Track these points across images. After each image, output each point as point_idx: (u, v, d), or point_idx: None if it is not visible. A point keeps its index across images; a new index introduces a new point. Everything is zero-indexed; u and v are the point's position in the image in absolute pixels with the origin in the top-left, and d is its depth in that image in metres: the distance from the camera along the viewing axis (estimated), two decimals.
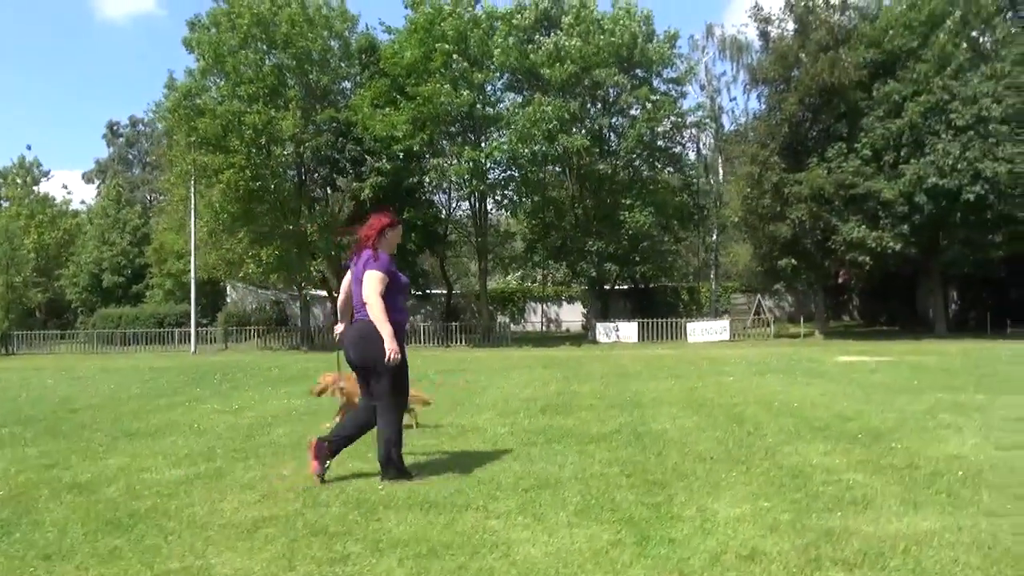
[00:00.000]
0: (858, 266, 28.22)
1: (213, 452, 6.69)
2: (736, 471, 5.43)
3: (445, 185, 30.40)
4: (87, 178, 61.09)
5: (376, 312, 4.98)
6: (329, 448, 5.29)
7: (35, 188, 53.59)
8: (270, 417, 8.97)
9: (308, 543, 3.92)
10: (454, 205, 33.02)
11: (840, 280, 45.24)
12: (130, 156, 57.45)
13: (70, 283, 47.30)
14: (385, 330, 4.96)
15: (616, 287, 41.32)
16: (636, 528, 4.06)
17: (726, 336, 29.15)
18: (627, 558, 3.60)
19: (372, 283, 5.02)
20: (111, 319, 39.83)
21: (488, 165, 29.01)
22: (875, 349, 21.48)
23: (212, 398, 11.46)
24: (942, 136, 24.72)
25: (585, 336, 31.37)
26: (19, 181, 52.46)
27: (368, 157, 28.92)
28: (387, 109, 27.16)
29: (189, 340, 31.74)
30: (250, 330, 33.69)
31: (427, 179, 27.04)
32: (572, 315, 42.34)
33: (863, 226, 25.95)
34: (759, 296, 37.40)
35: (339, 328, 5.48)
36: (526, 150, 27.45)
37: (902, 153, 25.74)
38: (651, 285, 40.36)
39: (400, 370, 5.21)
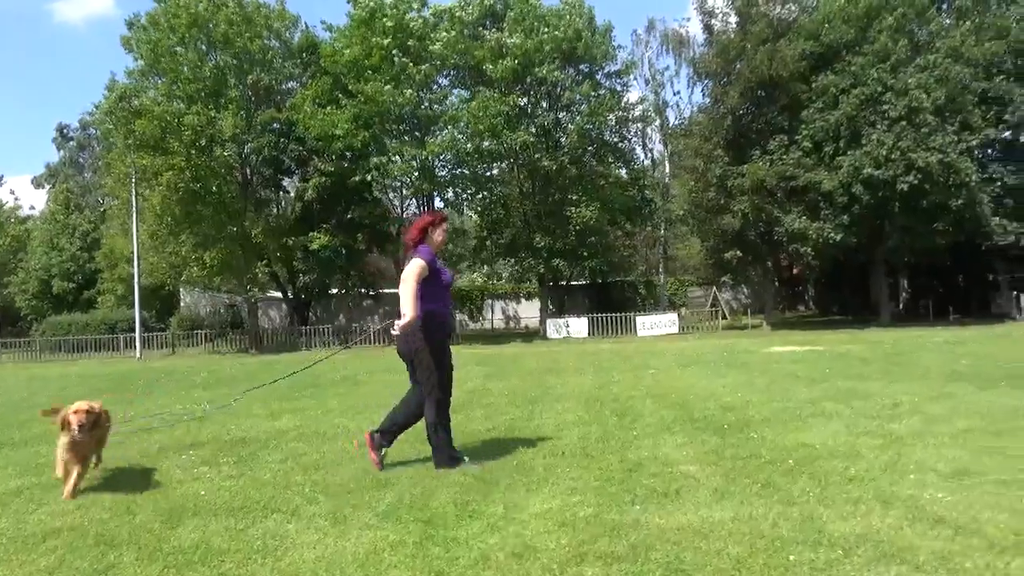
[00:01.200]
0: (800, 257, 28.51)
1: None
2: (577, 466, 5.41)
3: (393, 183, 30.16)
4: (36, 183, 59.85)
5: (406, 292, 5.21)
6: (382, 438, 5.63)
7: None
8: (152, 427, 8.78)
9: (84, 553, 3.81)
10: (404, 203, 32.77)
11: (795, 271, 45.92)
12: (81, 160, 56.34)
13: (19, 290, 46.28)
14: (410, 308, 5.15)
15: (573, 283, 41.44)
16: (428, 528, 4.01)
17: (675, 329, 29.28)
18: (396, 559, 3.55)
19: (410, 269, 5.30)
20: (61, 326, 38.97)
21: (435, 163, 28.83)
22: (813, 339, 21.67)
23: (116, 404, 11.20)
24: (877, 127, 25.01)
25: (538, 332, 31.33)
26: None
27: (314, 157, 28.64)
28: (329, 108, 26.85)
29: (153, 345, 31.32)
30: (200, 335, 33.18)
31: (369, 178, 26.73)
32: (531, 311, 42.30)
33: (804, 217, 26.21)
34: (714, 289, 37.68)
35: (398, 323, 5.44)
36: (470, 146, 27.31)
37: (840, 145, 26.00)
38: (608, 280, 40.52)
39: (440, 360, 5.46)
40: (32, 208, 55.74)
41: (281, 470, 5.71)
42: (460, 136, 27.71)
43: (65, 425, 5.07)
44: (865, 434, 6.17)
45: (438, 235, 5.64)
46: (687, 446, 5.99)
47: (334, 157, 27.24)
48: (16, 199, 54.32)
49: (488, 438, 6.81)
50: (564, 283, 38.37)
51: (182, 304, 42.64)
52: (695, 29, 31.34)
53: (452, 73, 30.82)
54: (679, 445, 6.04)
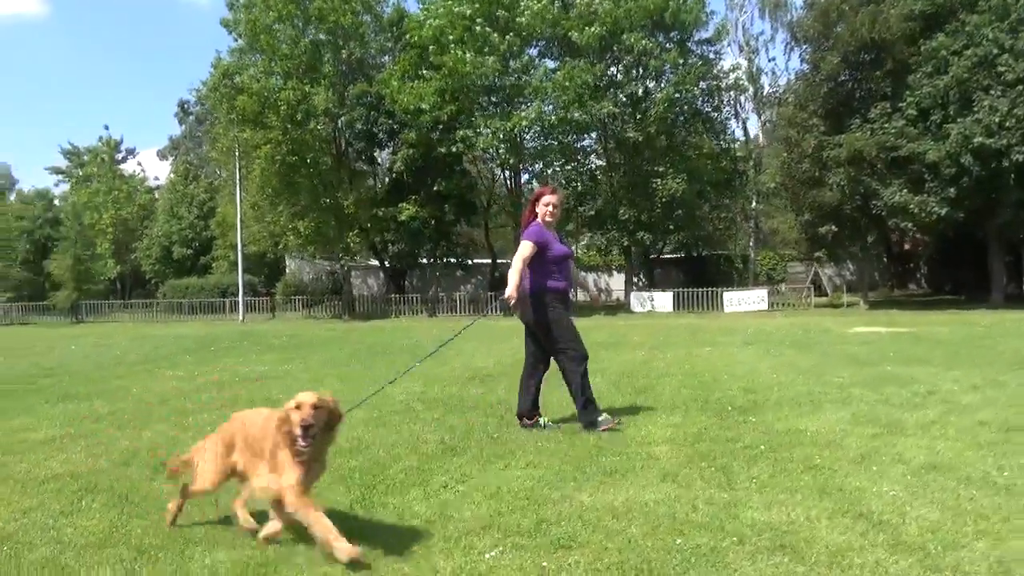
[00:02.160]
0: (903, 232, 26.90)
1: (103, 417, 7.16)
2: (554, 440, 5.52)
3: (482, 155, 30.49)
4: (161, 155, 64.00)
5: (513, 269, 5.61)
6: (529, 416, 6.02)
7: (121, 166, 56.51)
8: (209, 385, 9.46)
9: (64, 497, 4.29)
10: (494, 176, 33.12)
11: (906, 247, 43.30)
12: (199, 133, 59.74)
13: (144, 256, 49.95)
14: (512, 280, 5.54)
15: (666, 256, 40.77)
16: (368, 492, 4.25)
17: (764, 306, 28.38)
18: None
19: (520, 249, 5.71)
20: (179, 289, 42.00)
21: (522, 134, 28.90)
22: (907, 320, 20.58)
23: (189, 365, 12.11)
24: (991, 92, 23.14)
25: (624, 306, 31.11)
26: (103, 159, 55.31)
27: (404, 129, 29.32)
28: (416, 82, 27.38)
29: (247, 309, 33.37)
30: (299, 300, 34.87)
31: (455, 150, 27.16)
32: (622, 284, 41.99)
33: (905, 190, 24.67)
34: (815, 265, 36.19)
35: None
36: (555, 118, 27.20)
37: (949, 112, 24.23)
38: (703, 254, 39.60)
39: (562, 330, 5.82)
40: (157, 179, 59.68)
41: None
42: (547, 107, 27.62)
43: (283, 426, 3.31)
44: (868, 422, 5.95)
45: (542, 209, 5.93)
46: (676, 427, 5.95)
47: (422, 130, 27.75)
48: (143, 170, 58.02)
49: (490, 408, 6.99)
50: (655, 256, 37.86)
51: (287, 271, 44.84)
52: None
53: (541, 44, 30.68)
54: (668, 425, 6.02)
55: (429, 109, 26.75)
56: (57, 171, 58.31)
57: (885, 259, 44.68)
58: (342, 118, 29.28)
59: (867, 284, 30.11)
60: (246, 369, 11.11)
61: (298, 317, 32.38)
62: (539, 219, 5.90)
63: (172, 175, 53.69)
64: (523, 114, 26.84)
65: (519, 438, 5.63)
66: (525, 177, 31.33)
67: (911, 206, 24.54)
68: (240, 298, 32.63)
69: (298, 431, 3.19)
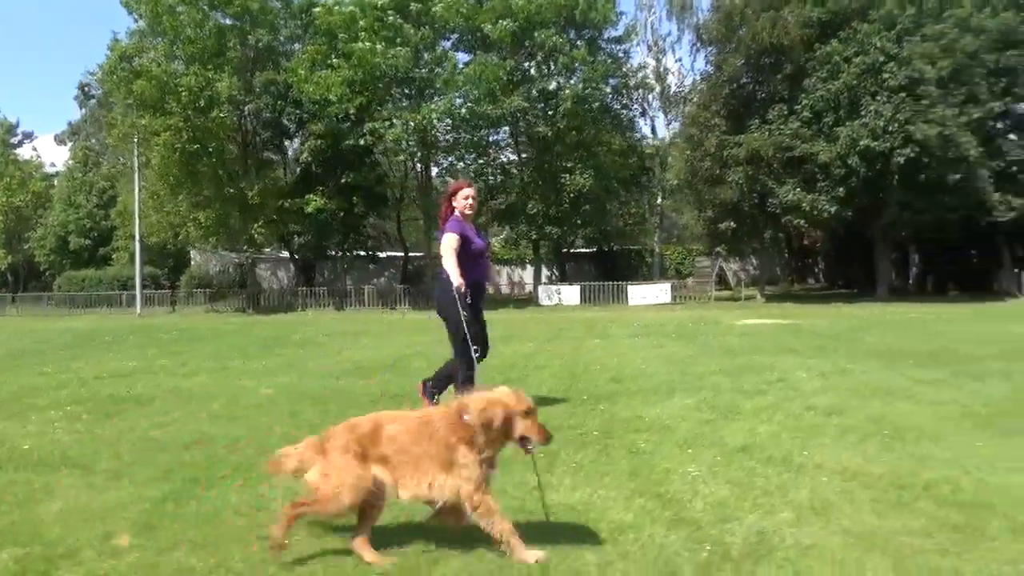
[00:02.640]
0: (794, 230, 28.12)
1: None
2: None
3: (394, 147, 30.14)
4: (59, 140, 60.91)
5: (447, 266, 5.67)
6: (433, 386, 6.20)
7: (16, 151, 53.42)
8: (72, 381, 9.11)
9: None
10: (406, 168, 32.88)
11: (805, 243, 45.27)
12: (101, 118, 57.08)
13: (39, 246, 47.48)
14: (455, 276, 5.60)
15: (578, 250, 41.39)
16: (188, 485, 4.21)
17: (667, 299, 29.17)
18: (131, 513, 3.74)
19: (446, 242, 5.75)
20: (76, 281, 40.10)
21: (432, 128, 28.78)
22: (794, 312, 21.52)
23: (63, 360, 11.62)
24: (877, 98, 24.40)
25: (533, 299, 31.43)
26: None
27: (312, 120, 28.79)
28: (325, 72, 26.90)
29: (146, 302, 32.18)
30: (202, 293, 33.82)
31: (363, 142, 26.82)
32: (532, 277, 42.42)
33: (798, 189, 25.77)
34: (720, 259, 37.35)
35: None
36: (465, 111, 27.23)
37: (840, 115, 25.43)
38: (614, 248, 40.38)
39: (469, 323, 5.66)
40: (54, 165, 56.80)
41: (122, 429, 5.94)
42: (458, 100, 27.60)
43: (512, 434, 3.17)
44: (709, 409, 6.24)
45: (459, 203, 5.97)
46: None
47: (330, 121, 27.27)
48: (38, 156, 55.07)
49: (359, 401, 6.98)
50: (567, 250, 38.36)
51: (192, 263, 43.41)
52: None
53: (454, 37, 30.64)
54: None
55: (337, 100, 26.32)
56: None
57: (786, 255, 46.63)
58: (248, 106, 28.53)
59: (765, 278, 31.27)
60: (119, 364, 10.74)
61: (200, 311, 31.39)
62: (457, 212, 5.95)
63: (70, 161, 51.17)
64: (432, 107, 26.72)
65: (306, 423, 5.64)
66: (436, 171, 31.22)
67: (804, 204, 25.63)
68: (138, 291, 31.41)
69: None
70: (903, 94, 23.86)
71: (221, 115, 27.05)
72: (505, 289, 44.22)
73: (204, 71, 27.07)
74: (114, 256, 45.53)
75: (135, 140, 29.13)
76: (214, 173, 28.41)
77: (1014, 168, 26.21)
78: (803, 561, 3.01)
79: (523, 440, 3.15)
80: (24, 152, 54.39)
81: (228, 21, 28.37)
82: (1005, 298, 27.16)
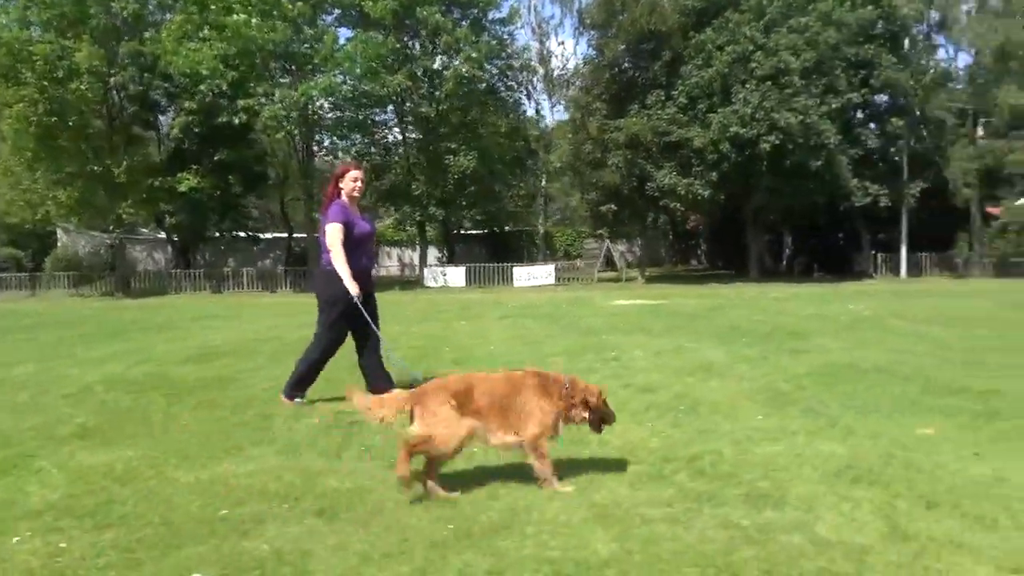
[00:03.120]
0: (670, 212, 29.10)
1: None
2: (206, 422, 5.43)
3: (275, 125, 29.09)
4: None
5: (335, 261, 5.52)
6: (296, 389, 5.88)
7: None
8: None
9: None
10: (289, 146, 31.82)
11: (689, 226, 46.93)
12: None
13: None
14: (344, 273, 5.49)
15: (470, 232, 41.45)
16: None
17: (552, 280, 29.64)
18: None
19: (330, 235, 5.55)
20: None
21: (312, 106, 27.98)
22: (668, 293, 22.28)
23: None
24: (746, 86, 25.43)
25: (419, 281, 31.26)
26: None
27: (183, 94, 27.46)
28: (195, 44, 25.63)
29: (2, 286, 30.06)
30: (69, 276, 31.79)
31: (237, 121, 25.78)
32: (429, 259, 42.17)
33: (675, 173, 26.62)
34: (607, 241, 38.18)
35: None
36: (347, 89, 26.62)
37: (714, 102, 26.36)
38: (505, 230, 40.65)
39: (343, 314, 5.66)
40: None
41: None
42: (337, 78, 26.91)
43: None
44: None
45: (347, 185, 5.76)
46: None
47: (203, 96, 26.03)
48: None
49: (186, 389, 6.76)
50: (456, 232, 38.34)
51: (59, 244, 40.82)
52: None
53: (338, 12, 29.84)
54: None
55: (209, 75, 25.15)
56: None
57: (671, 237, 48.24)
58: (114, 79, 26.90)
59: (647, 260, 32.35)
60: None
61: (64, 294, 29.60)
62: (344, 195, 5.74)
63: None
64: (312, 84, 25.95)
65: (178, 418, 5.48)
66: (319, 150, 30.42)
67: (679, 188, 26.52)
68: None
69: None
70: (769, 83, 24.96)
71: (82, 87, 25.35)
72: (396, 271, 43.85)
73: (62, 39, 25.32)
74: None
75: None
76: (76, 148, 26.69)
77: (874, 156, 28.06)
78: (541, 535, 3.12)
79: (597, 420, 3.96)
80: None
81: None
82: (863, 279, 29.07)
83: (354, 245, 5.68)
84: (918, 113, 28.22)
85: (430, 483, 3.66)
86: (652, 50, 28.37)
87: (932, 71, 28.42)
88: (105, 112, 28.02)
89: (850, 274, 30.56)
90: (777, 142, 24.75)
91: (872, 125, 28.70)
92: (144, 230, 41.12)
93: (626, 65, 29.15)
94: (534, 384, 3.82)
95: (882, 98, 28.39)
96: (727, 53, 25.75)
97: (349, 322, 5.75)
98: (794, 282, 27.65)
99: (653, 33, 27.10)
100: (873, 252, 30.56)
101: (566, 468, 3.92)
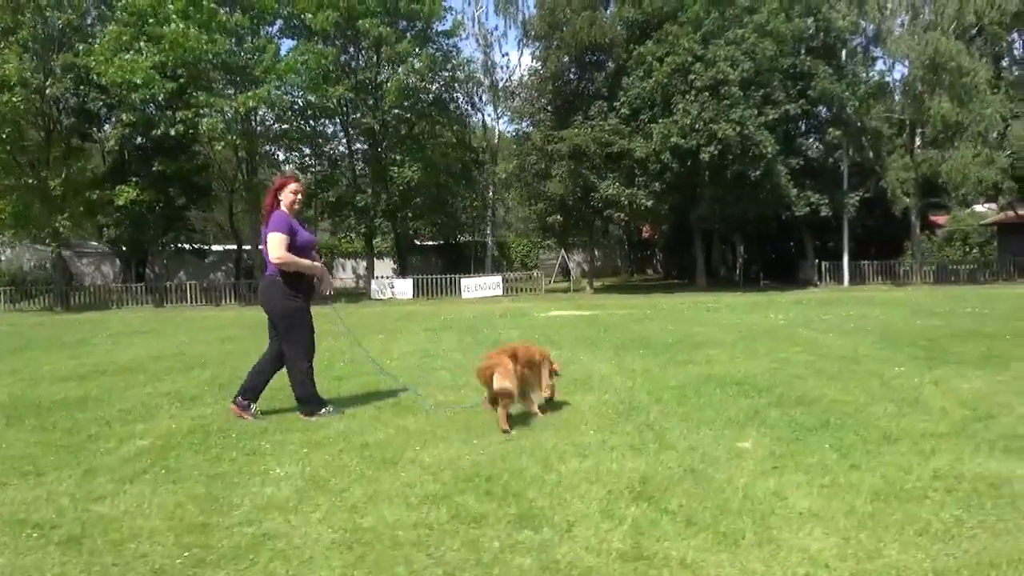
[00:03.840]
0: (617, 223, 29.27)
1: None
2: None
3: (211, 137, 28.82)
4: None
5: (295, 264, 5.61)
6: (245, 399, 5.86)
7: None
8: None
9: None
10: (235, 157, 31.51)
11: (644, 235, 47.27)
12: None
13: None
14: (311, 270, 5.74)
15: (427, 243, 41.35)
16: None
17: (499, 292, 29.62)
18: None
19: (274, 243, 5.55)
20: None
21: (253, 117, 27.75)
22: (607, 303, 22.33)
23: None
24: (685, 97, 25.69)
25: (367, 294, 31.06)
26: None
27: (119, 106, 27.06)
28: (131, 55, 25.28)
29: None
30: (5, 292, 31.03)
31: (173, 132, 25.43)
32: (381, 271, 41.95)
33: (618, 184, 26.78)
34: (562, 252, 38.29)
35: None
36: (287, 100, 26.43)
37: (655, 112, 26.60)
38: (459, 241, 40.59)
39: (297, 323, 5.74)
40: None
41: None
42: (278, 90, 26.72)
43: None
44: (388, 396, 6.35)
45: (287, 197, 5.75)
46: (202, 417, 5.96)
47: (138, 108, 25.66)
48: None
49: (42, 410, 6.58)
50: (416, 243, 38.22)
51: (2, 257, 39.92)
52: None
53: (280, 24, 29.66)
54: (197, 416, 6.03)
55: (142, 85, 24.79)
56: None
57: (626, 247, 48.57)
58: (48, 91, 26.44)
59: (605, 270, 32.37)
60: None
61: (1, 309, 28.92)
62: (284, 207, 5.73)
63: None
64: (250, 95, 25.70)
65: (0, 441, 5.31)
66: (262, 162, 30.13)
67: (622, 198, 26.68)
68: None
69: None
70: (707, 94, 25.25)
71: (14, 99, 24.85)
72: (351, 283, 43.56)
73: None
74: None
75: None
76: (11, 161, 26.17)
77: (815, 166, 28.45)
78: (273, 563, 3.04)
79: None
80: None
81: None
82: (807, 287, 29.45)
83: (299, 253, 5.69)
84: (858, 124, 28.73)
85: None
86: (595, 62, 28.62)
87: (868, 82, 28.94)
88: (41, 123, 27.53)
89: (795, 283, 30.98)
90: (716, 152, 25.02)
91: (813, 136, 29.19)
92: (94, 243, 40.42)
93: (570, 76, 29.33)
94: (545, 356, 6.00)
95: (822, 109, 28.82)
96: (667, 64, 26.00)
97: (304, 322, 5.81)
98: (739, 291, 27.93)
99: (597, 45, 27.32)
100: (818, 261, 30.98)
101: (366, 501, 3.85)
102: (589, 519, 3.45)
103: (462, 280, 29.99)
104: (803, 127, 29.56)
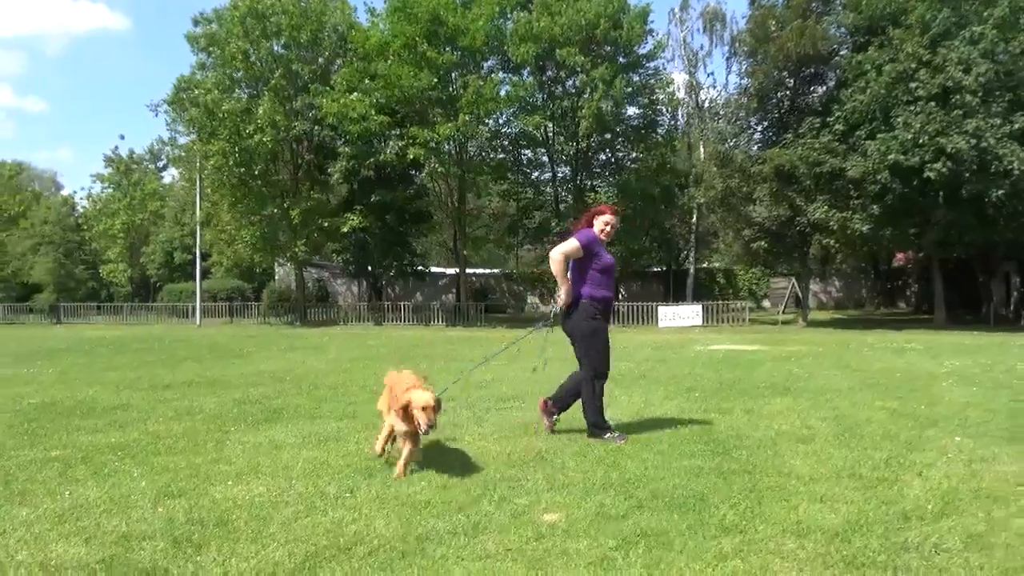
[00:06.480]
0: (825, 249, 26.50)
1: None
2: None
3: (431, 169, 30.82)
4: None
5: (555, 272, 5.80)
6: (553, 405, 6.19)
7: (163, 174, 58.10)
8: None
9: None
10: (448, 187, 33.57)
11: (896, 264, 42.12)
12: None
13: (149, 260, 52.14)
14: (561, 289, 5.82)
15: (654, 270, 40.82)
16: None
17: (698, 321, 28.17)
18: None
19: (562, 245, 5.82)
20: (174, 293, 43.83)
21: (457, 147, 29.34)
22: (804, 339, 20.15)
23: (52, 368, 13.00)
24: (907, 108, 22.62)
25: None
26: (131, 167, 56.78)
27: (344, 140, 30.14)
28: (355, 95, 28.01)
29: (224, 314, 34.89)
30: (253, 307, 35.85)
31: (382, 158, 27.75)
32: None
33: (826, 207, 24.29)
34: (793, 280, 35.67)
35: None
36: (487, 130, 27.64)
37: (874, 127, 23.76)
38: (683, 268, 39.42)
39: (596, 341, 5.88)
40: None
41: None
42: (469, 120, 27.62)
43: (408, 418, 4.68)
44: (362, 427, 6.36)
45: (598, 224, 6.01)
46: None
47: (357, 142, 28.40)
48: (159, 176, 59.89)
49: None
50: (633, 270, 37.88)
51: (276, 278, 46.22)
52: (737, 5, 29.69)
53: (492, 59, 31.09)
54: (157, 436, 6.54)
55: (360, 119, 27.29)
56: (101, 178, 59.40)
57: (872, 276, 43.64)
58: (293, 130, 30.26)
59: (802, 300, 29.67)
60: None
61: (254, 322, 33.45)
62: (598, 231, 6.00)
63: (182, 182, 55.67)
64: (450, 126, 27.02)
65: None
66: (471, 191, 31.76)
67: (831, 223, 24.15)
68: (197, 303, 33.89)
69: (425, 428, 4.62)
70: (934, 104, 22.03)
71: (266, 139, 28.72)
72: (532, 309, 44.37)
73: (249, 99, 28.95)
74: (212, 270, 49.27)
75: (198, 163, 31.62)
76: (262, 192, 30.31)
77: None
78: None
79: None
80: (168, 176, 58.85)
81: (279, 50, 30.15)
82: None
83: (601, 275, 5.89)
84: None
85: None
86: (811, 75, 26.38)
87: None
88: (289, 159, 31.63)
89: None
90: (945, 170, 21.67)
91: None
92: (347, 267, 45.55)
93: (780, 92, 27.23)
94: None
95: None
96: (885, 74, 23.12)
97: (599, 337, 5.89)
98: (981, 330, 23.72)
99: (807, 57, 25.15)
100: None
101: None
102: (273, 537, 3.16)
103: (659, 308, 29.00)
104: None
